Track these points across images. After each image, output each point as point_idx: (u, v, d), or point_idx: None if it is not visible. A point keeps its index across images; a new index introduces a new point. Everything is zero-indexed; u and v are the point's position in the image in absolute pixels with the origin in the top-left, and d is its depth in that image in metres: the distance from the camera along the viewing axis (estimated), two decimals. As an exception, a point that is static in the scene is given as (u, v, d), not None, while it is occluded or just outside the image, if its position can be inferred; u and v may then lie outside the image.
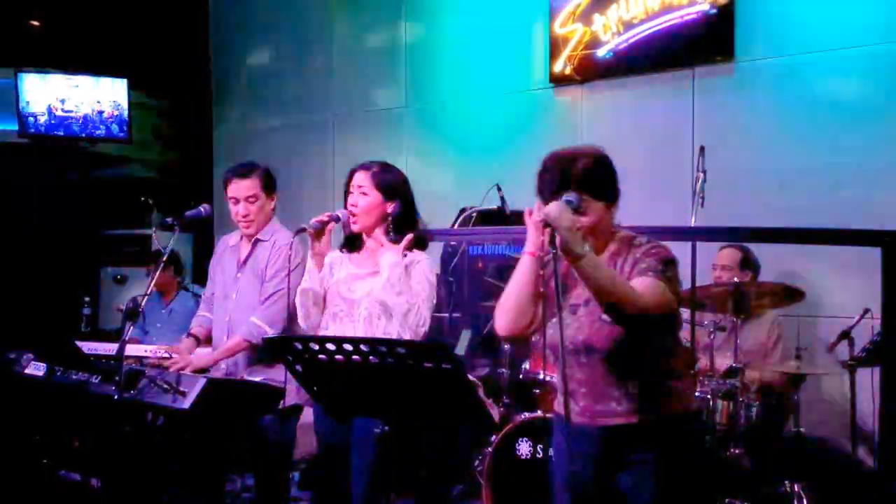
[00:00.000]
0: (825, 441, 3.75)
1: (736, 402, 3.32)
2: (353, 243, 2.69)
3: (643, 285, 1.98)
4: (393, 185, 2.63)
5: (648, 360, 2.08)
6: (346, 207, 2.65)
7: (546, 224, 1.83)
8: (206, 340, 3.21)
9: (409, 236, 2.56)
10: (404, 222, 2.63)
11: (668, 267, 2.03)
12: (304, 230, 2.57)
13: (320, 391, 2.11)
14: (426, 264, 2.61)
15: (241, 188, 3.05)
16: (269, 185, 3.11)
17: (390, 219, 2.61)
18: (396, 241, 2.58)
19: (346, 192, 2.66)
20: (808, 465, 3.40)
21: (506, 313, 2.12)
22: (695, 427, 2.33)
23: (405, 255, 2.57)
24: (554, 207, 1.87)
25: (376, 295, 2.54)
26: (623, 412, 2.07)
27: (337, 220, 2.61)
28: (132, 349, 3.25)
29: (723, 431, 3.34)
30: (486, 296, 4.17)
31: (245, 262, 3.12)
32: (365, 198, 2.59)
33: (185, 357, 3.00)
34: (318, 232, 2.58)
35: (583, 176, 2.02)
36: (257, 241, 3.12)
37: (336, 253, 2.73)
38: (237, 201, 3.06)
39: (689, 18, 4.45)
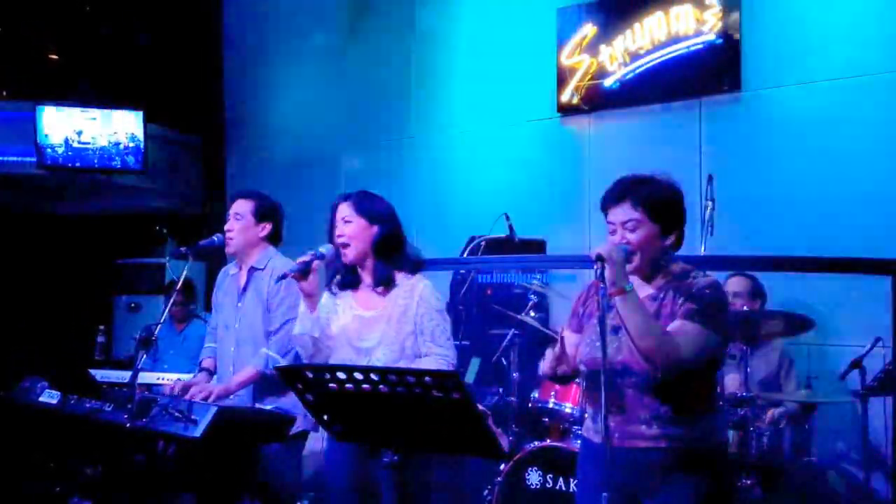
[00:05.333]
0: (838, 471, 3.71)
1: (747, 431, 3.30)
2: (349, 279, 2.64)
3: (684, 333, 2.00)
4: (375, 208, 2.62)
5: (684, 387, 2.07)
6: (332, 243, 2.61)
7: (599, 258, 1.96)
8: None
9: None
10: (392, 245, 2.59)
11: (717, 312, 2.05)
12: (285, 276, 2.52)
13: (330, 420, 2.12)
14: (428, 294, 2.57)
15: (234, 205, 3.16)
16: (262, 212, 3.16)
17: (377, 242, 2.57)
18: (379, 278, 2.56)
19: (332, 229, 2.63)
20: (820, 496, 3.36)
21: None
22: (722, 459, 2.30)
23: (402, 286, 2.56)
24: (608, 245, 2.03)
25: (391, 343, 2.53)
26: (652, 436, 2.06)
27: (321, 257, 2.54)
28: (145, 377, 3.27)
29: (733, 461, 3.31)
30: (495, 324, 4.18)
31: (244, 290, 3.14)
32: (349, 225, 2.57)
33: (207, 387, 3.01)
34: (304, 272, 2.51)
35: (644, 193, 2.09)
36: (253, 269, 3.14)
37: (330, 293, 2.66)
38: (229, 218, 3.16)
39: (696, 49, 4.50)
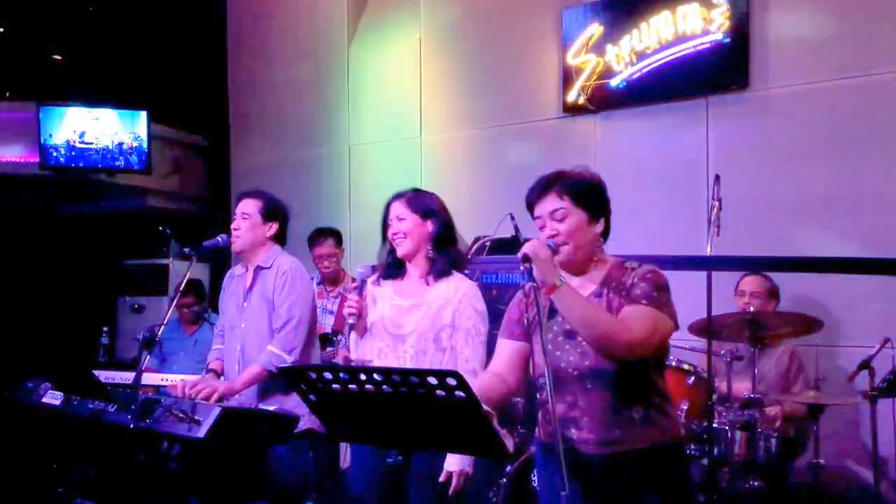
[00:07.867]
0: (846, 473, 3.68)
1: (754, 433, 3.27)
2: (395, 271, 2.72)
3: (637, 315, 1.99)
4: (427, 205, 2.71)
5: (649, 384, 2.08)
6: (386, 241, 2.72)
7: (525, 258, 1.94)
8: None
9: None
10: (445, 240, 2.69)
11: (662, 292, 2.05)
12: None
13: (334, 421, 2.10)
14: (472, 293, 2.64)
15: (242, 205, 3.18)
16: (269, 212, 3.18)
17: (431, 238, 2.67)
18: (438, 269, 2.63)
19: (385, 226, 2.72)
20: (828, 499, 3.34)
21: None
22: (684, 454, 2.34)
23: (448, 281, 2.63)
24: (532, 243, 1.99)
25: (425, 332, 2.59)
26: (627, 439, 2.05)
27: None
28: (149, 378, 3.26)
29: (741, 463, 3.29)
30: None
31: (250, 290, 3.14)
32: (403, 222, 2.66)
33: (212, 383, 3.01)
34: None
35: (568, 182, 2.12)
36: (259, 268, 3.15)
37: (373, 284, 2.75)
38: (236, 217, 3.17)
39: (703, 48, 4.48)
